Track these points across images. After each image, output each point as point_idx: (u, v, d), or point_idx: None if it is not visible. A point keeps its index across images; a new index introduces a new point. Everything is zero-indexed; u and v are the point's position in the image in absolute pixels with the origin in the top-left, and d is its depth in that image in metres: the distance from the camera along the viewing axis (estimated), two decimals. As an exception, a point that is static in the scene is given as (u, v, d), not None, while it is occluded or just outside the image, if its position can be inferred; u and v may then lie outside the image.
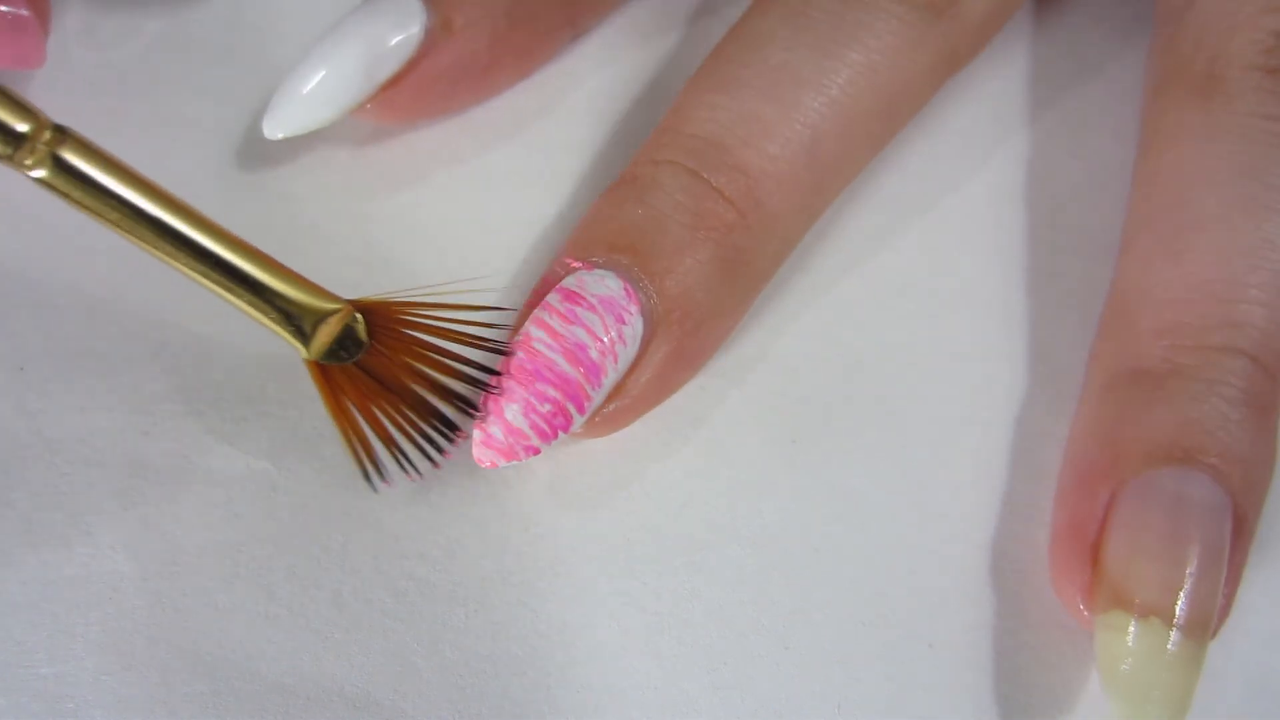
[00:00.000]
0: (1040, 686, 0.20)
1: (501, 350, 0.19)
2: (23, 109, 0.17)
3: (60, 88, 0.24)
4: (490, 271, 0.22)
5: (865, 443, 0.21)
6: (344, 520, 0.20)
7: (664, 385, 0.20)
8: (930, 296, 0.23)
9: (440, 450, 0.19)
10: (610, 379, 0.19)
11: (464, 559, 0.20)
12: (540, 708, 0.19)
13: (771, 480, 0.21)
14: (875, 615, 0.20)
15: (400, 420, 0.18)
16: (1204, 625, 0.18)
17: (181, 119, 0.23)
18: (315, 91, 0.21)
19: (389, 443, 0.18)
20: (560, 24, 0.23)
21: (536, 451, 0.18)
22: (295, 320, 0.18)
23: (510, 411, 0.18)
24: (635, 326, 0.19)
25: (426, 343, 0.19)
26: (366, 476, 0.18)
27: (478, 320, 0.19)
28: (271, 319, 0.18)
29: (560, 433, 0.18)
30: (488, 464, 0.18)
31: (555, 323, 0.18)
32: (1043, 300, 0.23)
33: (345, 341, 0.18)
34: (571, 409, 0.18)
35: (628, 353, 0.19)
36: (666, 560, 0.20)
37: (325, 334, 0.18)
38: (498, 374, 0.18)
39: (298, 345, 0.18)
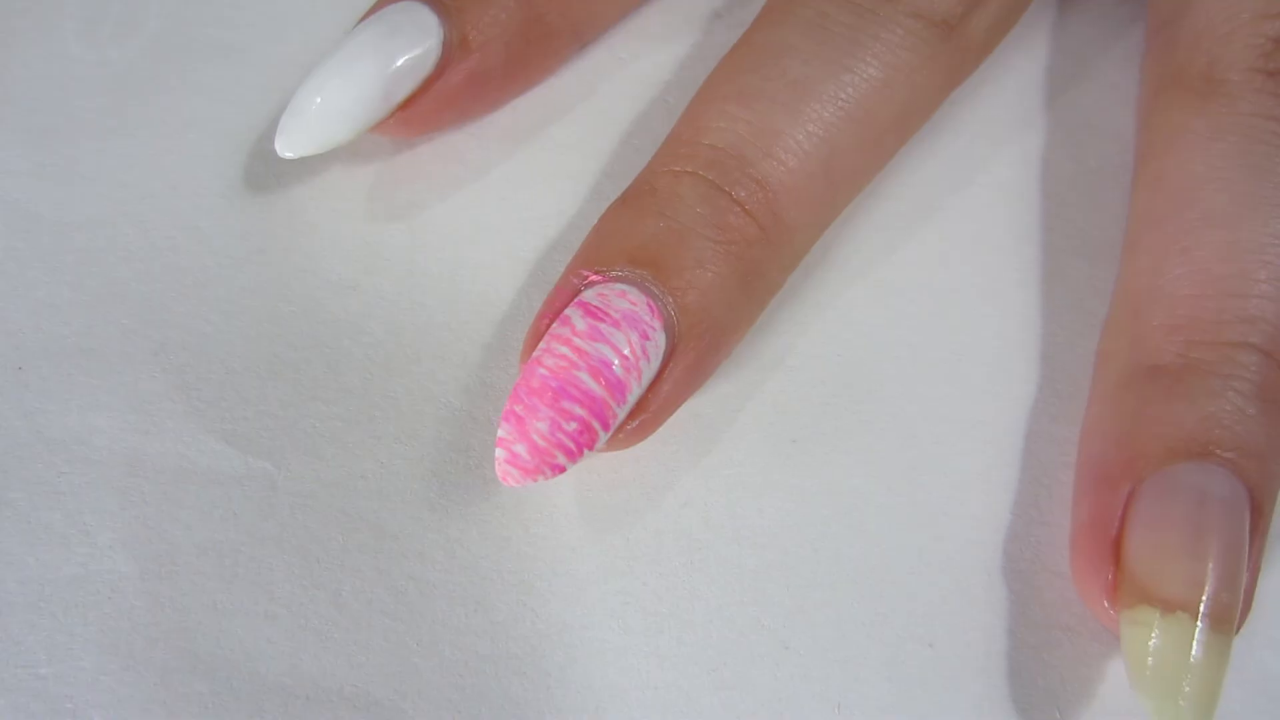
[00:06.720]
0: (1040, 687, 0.20)
1: None
2: None
3: (60, 88, 0.24)
4: (498, 276, 0.22)
5: (865, 443, 0.21)
6: (344, 520, 0.20)
7: (680, 397, 0.20)
8: (930, 297, 0.23)
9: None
10: (634, 394, 0.18)
11: (464, 559, 0.20)
12: (540, 708, 0.19)
13: (771, 480, 0.21)
14: (875, 615, 0.20)
15: None
16: (1229, 618, 0.18)
17: (181, 119, 0.23)
18: (331, 111, 0.20)
19: None
20: (568, 39, 0.23)
21: (563, 470, 0.18)
22: None
23: (536, 431, 0.18)
24: (658, 341, 0.19)
25: None
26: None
27: None
28: None
29: (586, 450, 0.18)
30: (513, 483, 0.18)
31: (579, 339, 0.18)
32: (1043, 301, 0.23)
33: None
34: (597, 426, 0.18)
35: (651, 368, 0.19)
36: (666, 560, 0.20)
37: None
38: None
39: None
